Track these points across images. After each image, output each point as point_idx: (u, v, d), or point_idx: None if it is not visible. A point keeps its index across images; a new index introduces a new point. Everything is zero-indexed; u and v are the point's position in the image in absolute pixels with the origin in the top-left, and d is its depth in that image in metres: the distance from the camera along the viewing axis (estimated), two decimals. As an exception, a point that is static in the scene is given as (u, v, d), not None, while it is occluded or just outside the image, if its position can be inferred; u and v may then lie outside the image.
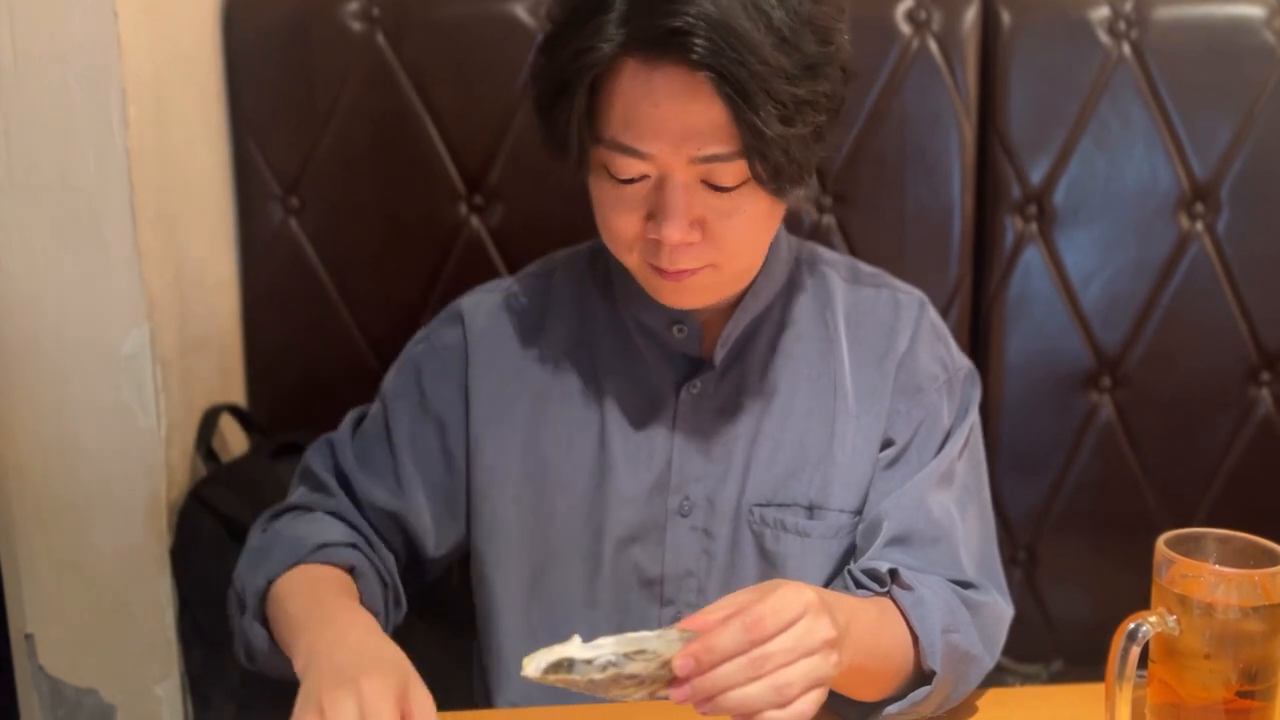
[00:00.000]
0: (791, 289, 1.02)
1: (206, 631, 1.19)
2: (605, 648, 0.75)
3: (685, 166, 0.84)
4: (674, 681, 0.73)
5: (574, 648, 0.75)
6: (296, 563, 0.94)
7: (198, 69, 1.30)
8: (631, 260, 0.92)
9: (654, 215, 0.86)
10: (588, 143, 0.86)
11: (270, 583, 0.93)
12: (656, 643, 0.75)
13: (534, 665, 0.74)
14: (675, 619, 0.98)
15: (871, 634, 0.84)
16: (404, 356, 1.05)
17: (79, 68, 1.07)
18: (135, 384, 1.14)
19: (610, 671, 0.73)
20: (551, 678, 0.74)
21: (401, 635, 0.92)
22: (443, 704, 0.96)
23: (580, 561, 0.99)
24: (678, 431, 0.98)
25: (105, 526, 1.17)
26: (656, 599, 0.99)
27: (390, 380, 1.05)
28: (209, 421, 1.28)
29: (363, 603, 0.92)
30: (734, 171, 0.84)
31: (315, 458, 1.05)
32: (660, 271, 0.89)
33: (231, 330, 1.38)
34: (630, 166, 0.85)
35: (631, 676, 0.73)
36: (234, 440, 1.37)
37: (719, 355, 0.98)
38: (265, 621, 0.93)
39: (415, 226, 1.38)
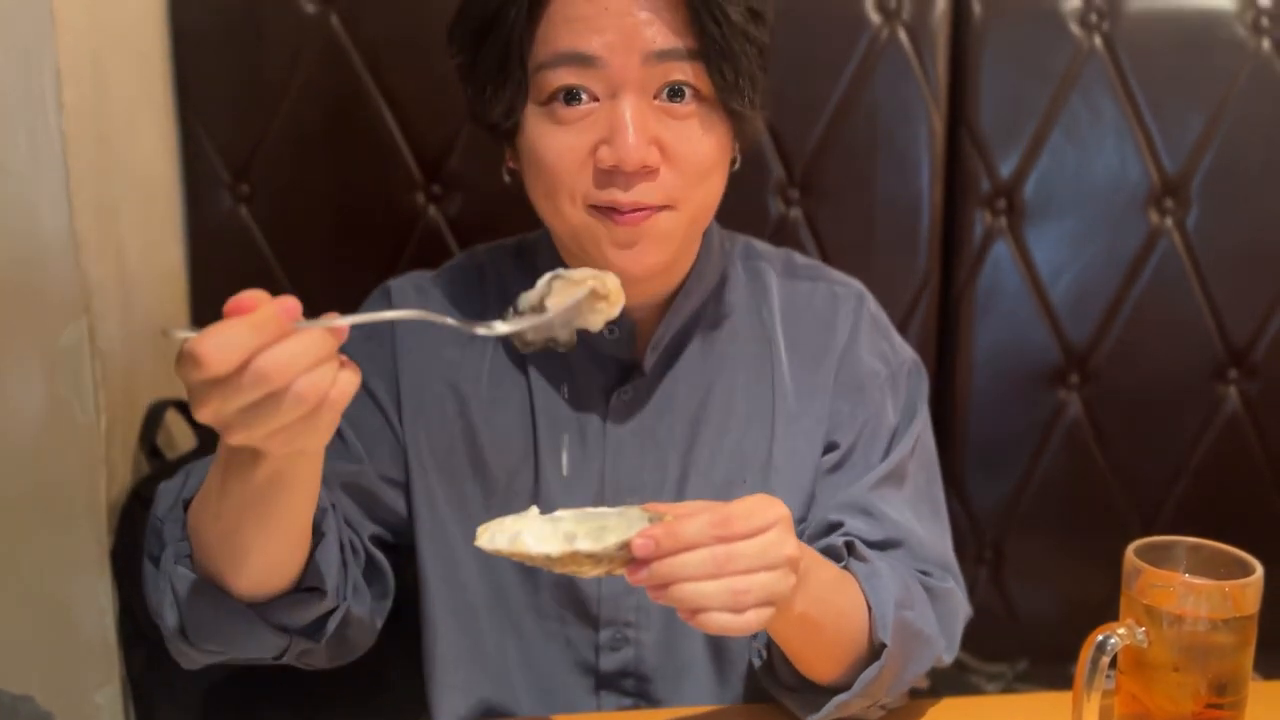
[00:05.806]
0: (725, 286, 0.97)
1: (149, 636, 1.15)
2: (564, 522, 0.73)
3: (639, 69, 0.80)
4: (631, 563, 0.70)
5: (531, 519, 0.73)
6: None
7: (141, 49, 1.24)
8: (575, 214, 0.84)
9: (607, 140, 0.81)
10: (525, 73, 0.81)
11: (188, 501, 0.79)
12: (617, 520, 0.73)
13: (488, 536, 0.72)
14: (613, 640, 0.96)
15: (828, 588, 0.82)
16: None
17: (9, 45, 1.02)
18: (72, 377, 1.09)
19: (568, 546, 0.70)
20: (506, 549, 0.71)
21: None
22: (403, 713, 0.94)
23: (518, 584, 0.95)
24: (609, 440, 0.94)
25: (42, 526, 1.12)
26: (592, 624, 0.95)
27: None
28: (154, 417, 1.24)
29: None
30: (690, 73, 0.81)
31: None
32: (614, 215, 0.83)
33: (180, 322, 1.33)
34: (577, 77, 0.80)
35: (589, 554, 0.70)
36: (181, 436, 1.32)
37: (649, 360, 0.94)
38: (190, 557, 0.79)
39: (370, 216, 1.34)
